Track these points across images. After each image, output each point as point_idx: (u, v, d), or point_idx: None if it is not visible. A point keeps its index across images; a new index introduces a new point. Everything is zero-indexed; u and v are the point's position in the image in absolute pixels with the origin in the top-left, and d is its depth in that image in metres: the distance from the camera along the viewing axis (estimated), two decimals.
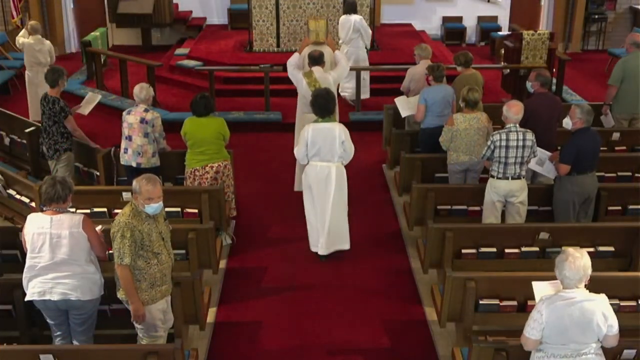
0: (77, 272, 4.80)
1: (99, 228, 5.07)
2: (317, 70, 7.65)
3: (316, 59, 7.68)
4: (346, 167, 7.59)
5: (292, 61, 7.89)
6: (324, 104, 6.55)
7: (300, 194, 7.30)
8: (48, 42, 10.30)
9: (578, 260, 3.98)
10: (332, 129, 6.55)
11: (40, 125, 7.69)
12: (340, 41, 10.86)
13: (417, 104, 7.72)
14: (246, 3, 12.99)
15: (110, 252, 5.62)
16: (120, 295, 4.87)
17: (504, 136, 6.28)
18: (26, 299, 4.89)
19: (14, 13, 13.79)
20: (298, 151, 6.73)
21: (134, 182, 4.73)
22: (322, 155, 6.60)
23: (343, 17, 10.76)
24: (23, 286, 4.91)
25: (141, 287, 4.78)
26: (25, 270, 4.86)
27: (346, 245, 6.95)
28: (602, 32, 15.07)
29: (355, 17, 10.64)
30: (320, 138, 6.54)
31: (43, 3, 14.29)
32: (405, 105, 8.28)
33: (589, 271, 4.03)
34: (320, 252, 6.89)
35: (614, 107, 8.56)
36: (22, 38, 10.15)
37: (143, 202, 4.69)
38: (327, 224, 6.75)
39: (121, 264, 4.67)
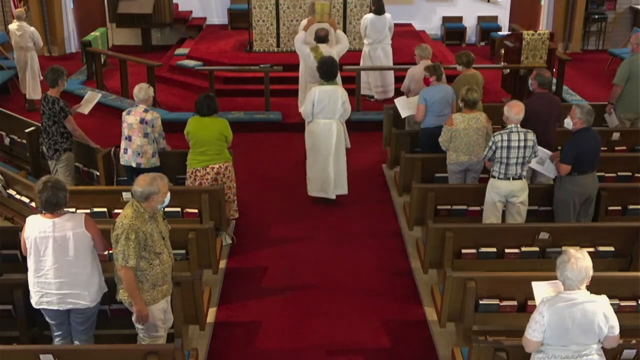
0: (82, 274, 4.78)
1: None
2: (322, 46, 8.88)
3: (322, 38, 8.96)
4: (346, 166, 8.18)
5: (300, 37, 9.15)
6: (329, 70, 7.67)
7: (298, 192, 8.11)
8: (31, 28, 11.10)
9: (580, 261, 3.98)
10: (335, 90, 7.67)
11: (40, 125, 7.69)
12: (369, 41, 10.81)
13: (417, 104, 7.73)
14: (246, 3, 13.00)
15: (111, 252, 5.63)
16: (121, 296, 4.86)
17: (505, 137, 6.28)
18: (35, 306, 4.86)
19: (15, 13, 13.79)
20: (305, 109, 7.79)
21: (147, 187, 4.65)
22: (326, 113, 7.66)
23: (374, 17, 10.70)
24: (29, 290, 4.87)
25: (143, 288, 4.78)
26: (30, 274, 4.81)
27: (345, 191, 8.02)
28: (602, 32, 15.07)
29: (388, 16, 10.82)
30: (325, 98, 7.60)
31: (43, 3, 14.29)
32: (405, 106, 8.29)
33: (591, 272, 4.02)
34: (330, 197, 7.95)
35: (618, 106, 8.55)
36: (10, 25, 11.15)
37: (161, 199, 4.72)
38: (331, 172, 7.81)
39: (125, 266, 4.65)
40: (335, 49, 9.01)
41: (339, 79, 8.15)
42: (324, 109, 7.64)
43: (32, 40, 10.96)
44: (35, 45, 11.04)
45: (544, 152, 6.57)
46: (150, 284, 4.79)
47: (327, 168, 7.81)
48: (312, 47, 8.88)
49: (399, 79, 10.54)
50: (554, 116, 7.17)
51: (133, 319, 4.93)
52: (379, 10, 10.71)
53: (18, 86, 11.62)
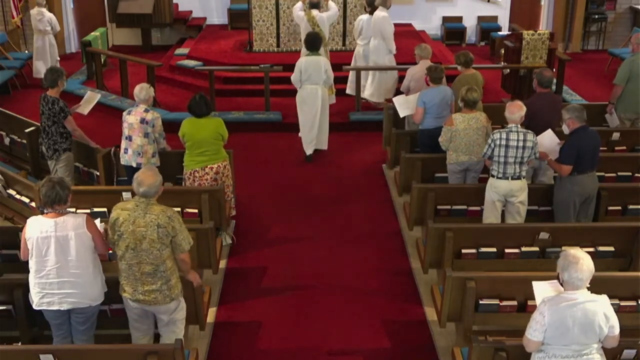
0: (84, 274, 4.77)
1: (98, 221, 5.04)
2: (314, 11, 10.45)
3: (314, 4, 10.54)
4: (346, 166, 8.78)
5: (298, 6, 10.67)
6: (312, 42, 9.00)
7: (298, 192, 8.29)
8: (49, 13, 12.46)
9: (587, 261, 3.98)
10: (318, 60, 8.91)
11: (39, 125, 7.69)
12: (364, 42, 10.77)
13: (416, 107, 7.72)
14: (246, 3, 13.00)
15: (111, 252, 5.63)
16: (173, 294, 4.86)
17: (504, 135, 6.29)
18: (35, 308, 4.86)
19: (14, 13, 13.78)
20: (293, 77, 9.02)
21: (157, 179, 4.73)
22: (312, 80, 8.90)
23: (369, 18, 10.64)
24: (30, 291, 4.86)
25: (177, 278, 4.91)
26: (31, 275, 4.80)
27: (325, 147, 9.41)
28: (602, 32, 15.07)
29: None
30: (310, 66, 8.85)
31: None
32: (403, 105, 8.26)
33: (593, 272, 4.03)
34: (308, 152, 9.29)
35: (618, 106, 8.54)
36: (31, 10, 12.50)
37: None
38: (315, 129, 9.16)
39: (189, 249, 4.86)
40: (325, 14, 10.52)
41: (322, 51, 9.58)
42: (310, 76, 8.86)
43: (49, 25, 12.29)
44: (52, 29, 12.37)
45: (550, 137, 6.55)
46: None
47: (313, 126, 9.12)
48: (305, 12, 10.38)
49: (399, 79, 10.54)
50: (556, 116, 7.16)
51: (168, 317, 4.95)
52: (374, 11, 10.69)
53: (30, 67, 12.97)
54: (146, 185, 4.67)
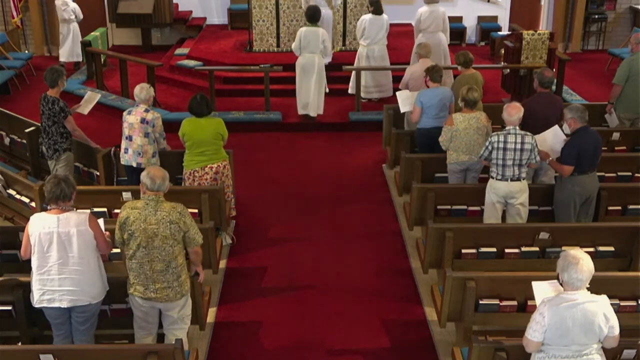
0: (85, 271, 4.77)
1: (101, 221, 5.05)
2: None
3: None
4: (346, 166, 8.75)
5: None
6: (312, 15, 10.02)
7: (298, 192, 8.28)
8: (73, 3, 13.23)
9: (586, 262, 3.98)
10: (317, 30, 9.96)
11: (39, 125, 7.68)
12: (366, 42, 10.75)
13: (414, 106, 7.73)
14: (246, 3, 12.99)
15: (113, 252, 5.64)
16: (183, 289, 4.95)
17: (502, 138, 6.28)
18: (36, 305, 4.86)
19: (14, 13, 13.80)
20: (294, 45, 10.09)
21: (164, 174, 4.85)
22: (310, 49, 9.96)
23: (372, 17, 10.66)
24: (32, 287, 4.86)
25: (187, 274, 5.01)
26: (33, 271, 4.81)
27: (321, 111, 10.36)
28: (602, 32, 15.07)
29: (386, 17, 10.81)
30: (309, 35, 9.92)
31: (43, 3, 14.29)
32: (406, 101, 8.20)
33: (593, 272, 4.03)
34: (311, 114, 10.31)
35: (618, 106, 8.53)
36: (56, 1, 13.23)
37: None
38: (311, 94, 10.14)
39: (202, 242, 5.04)
40: None
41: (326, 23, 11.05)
42: (309, 45, 9.89)
43: (74, 14, 13.11)
44: (76, 17, 13.18)
45: (556, 133, 6.54)
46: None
47: (309, 91, 10.08)
48: None
49: (397, 79, 10.51)
50: (554, 116, 7.15)
51: (177, 314, 5.03)
52: (377, 10, 10.68)
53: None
54: (160, 178, 4.81)
